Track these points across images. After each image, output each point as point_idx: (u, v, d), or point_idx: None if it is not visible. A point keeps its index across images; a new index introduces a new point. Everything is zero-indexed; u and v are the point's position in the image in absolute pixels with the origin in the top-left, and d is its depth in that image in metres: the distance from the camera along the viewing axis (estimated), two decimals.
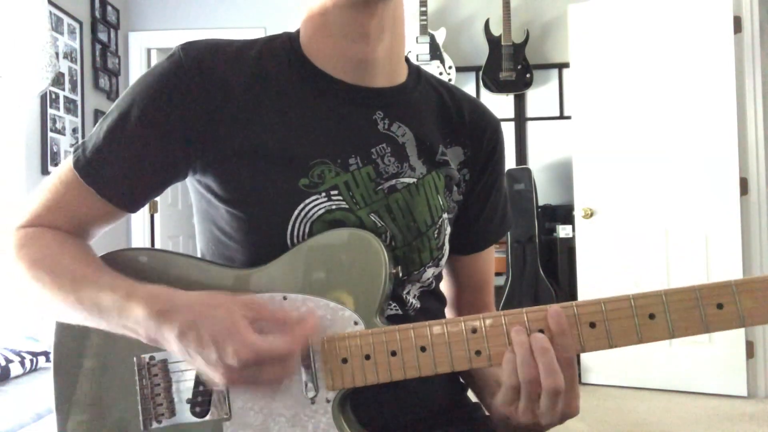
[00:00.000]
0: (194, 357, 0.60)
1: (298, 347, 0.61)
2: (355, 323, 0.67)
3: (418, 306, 0.80)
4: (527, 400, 0.62)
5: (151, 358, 0.72)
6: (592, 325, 0.62)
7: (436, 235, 0.79)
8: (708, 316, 0.60)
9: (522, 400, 0.63)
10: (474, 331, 0.64)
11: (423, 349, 0.65)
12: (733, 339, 3.02)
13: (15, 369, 2.02)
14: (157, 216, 3.95)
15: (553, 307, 0.63)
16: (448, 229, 0.82)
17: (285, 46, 0.78)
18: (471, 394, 0.88)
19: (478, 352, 0.64)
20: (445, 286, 0.92)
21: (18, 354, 2.07)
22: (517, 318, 0.64)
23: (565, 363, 0.62)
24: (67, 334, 0.74)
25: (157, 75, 0.73)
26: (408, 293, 0.79)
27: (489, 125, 0.87)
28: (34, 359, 2.11)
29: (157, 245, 3.92)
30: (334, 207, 0.73)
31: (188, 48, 0.74)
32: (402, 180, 0.77)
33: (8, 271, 0.72)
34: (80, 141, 0.75)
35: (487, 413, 0.86)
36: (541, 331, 0.63)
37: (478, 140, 0.85)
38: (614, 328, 0.62)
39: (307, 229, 0.72)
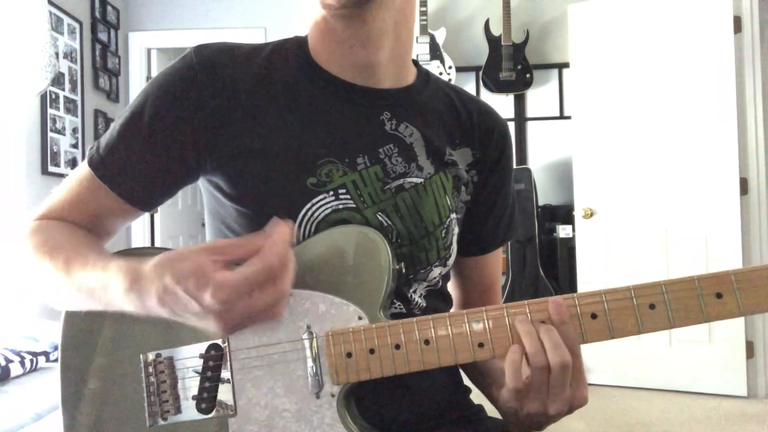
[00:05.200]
0: (182, 315, 0.58)
1: (271, 261, 0.57)
2: (359, 318, 0.68)
3: (424, 305, 0.80)
4: (535, 388, 0.63)
5: (158, 355, 0.72)
6: (593, 316, 0.64)
7: (443, 235, 0.79)
8: (707, 305, 0.61)
9: (532, 389, 0.63)
10: (477, 323, 0.65)
11: (427, 342, 0.66)
12: (733, 339, 3.02)
13: (15, 369, 2.02)
14: (157, 216, 3.95)
15: (555, 298, 0.64)
16: (457, 230, 0.82)
17: (294, 49, 0.80)
18: (473, 397, 0.88)
19: (481, 345, 0.65)
20: (451, 287, 0.93)
21: (18, 354, 2.07)
22: (519, 310, 0.65)
23: (569, 351, 0.62)
24: (74, 332, 0.75)
25: (170, 75, 0.75)
26: (414, 292, 0.79)
27: (497, 128, 0.87)
28: (34, 359, 2.11)
29: (157, 245, 3.93)
30: (341, 207, 0.74)
31: (201, 49, 0.76)
32: (409, 179, 0.78)
33: (18, 256, 0.74)
34: (97, 140, 0.79)
35: (489, 415, 0.87)
36: (543, 321, 0.64)
37: (486, 142, 0.86)
38: (615, 318, 0.63)
39: (312, 229, 0.73)
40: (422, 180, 0.78)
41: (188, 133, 0.74)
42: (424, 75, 0.85)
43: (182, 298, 0.56)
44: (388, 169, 0.77)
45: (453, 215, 0.81)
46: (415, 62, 0.86)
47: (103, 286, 0.63)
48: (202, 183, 0.81)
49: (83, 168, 0.76)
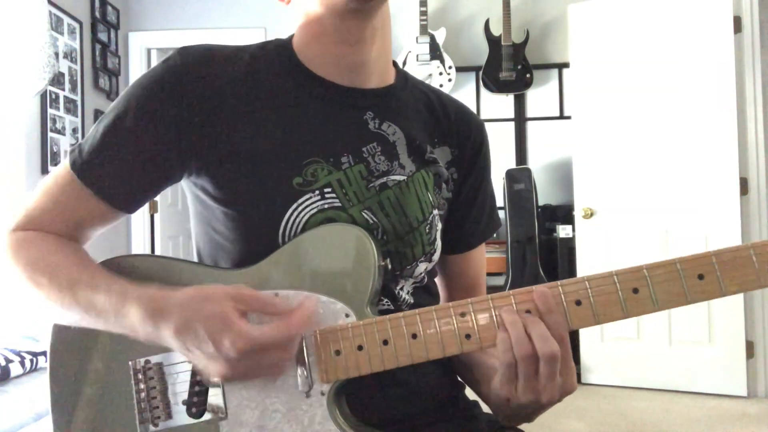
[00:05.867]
0: (193, 352, 0.62)
1: (293, 332, 0.63)
2: (347, 315, 0.68)
3: (412, 302, 0.81)
4: (525, 377, 0.64)
5: (147, 361, 0.72)
6: (578, 302, 0.64)
7: (427, 231, 0.80)
8: (690, 287, 0.62)
9: (520, 378, 0.64)
10: (463, 315, 0.66)
11: (414, 336, 0.66)
12: (733, 339, 3.02)
13: (15, 369, 2.02)
14: (157, 216, 3.95)
15: (539, 287, 0.65)
16: (440, 225, 0.84)
17: (278, 50, 0.81)
18: (468, 393, 0.88)
19: (467, 336, 0.66)
20: (437, 287, 0.93)
21: (18, 354, 2.07)
22: (504, 300, 0.66)
23: (557, 340, 0.63)
24: (63, 339, 0.75)
25: (153, 77, 0.75)
26: (401, 289, 0.80)
27: (474, 126, 0.89)
28: (34, 359, 2.11)
29: (157, 245, 3.93)
30: (326, 206, 0.74)
31: (184, 52, 0.76)
32: (393, 177, 0.79)
33: (6, 273, 0.73)
34: (77, 143, 0.78)
35: (484, 411, 0.87)
36: (528, 311, 0.65)
37: (464, 141, 0.87)
38: (600, 304, 0.64)
39: (299, 230, 0.73)
40: (405, 177, 0.79)
41: (173, 135, 0.74)
42: (402, 75, 0.87)
43: (201, 337, 0.60)
44: (372, 168, 0.78)
45: (435, 211, 0.82)
46: (394, 62, 0.87)
47: (117, 311, 0.65)
48: (186, 186, 0.81)
49: (63, 172, 0.75)
